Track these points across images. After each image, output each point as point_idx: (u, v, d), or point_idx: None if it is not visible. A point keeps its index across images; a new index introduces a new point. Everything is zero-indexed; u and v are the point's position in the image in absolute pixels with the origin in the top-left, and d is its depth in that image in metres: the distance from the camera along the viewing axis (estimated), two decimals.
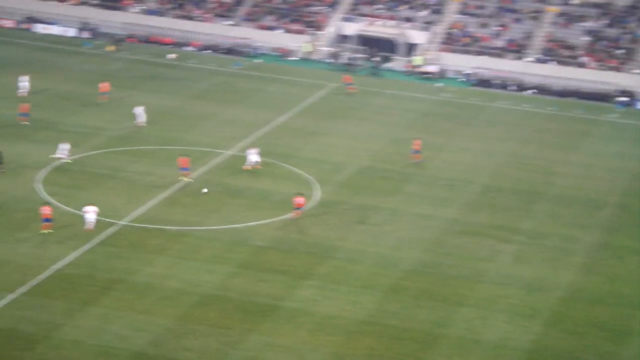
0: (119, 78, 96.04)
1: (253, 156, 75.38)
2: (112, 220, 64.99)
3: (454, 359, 51.90)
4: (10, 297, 54.90)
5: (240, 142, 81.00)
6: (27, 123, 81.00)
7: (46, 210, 62.43)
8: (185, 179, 71.48)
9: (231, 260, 61.18)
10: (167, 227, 64.88)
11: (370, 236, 65.91)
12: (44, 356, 49.80)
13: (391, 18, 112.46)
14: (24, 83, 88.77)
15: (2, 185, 69.01)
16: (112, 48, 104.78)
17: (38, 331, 51.94)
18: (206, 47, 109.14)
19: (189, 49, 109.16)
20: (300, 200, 67.61)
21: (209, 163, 76.19)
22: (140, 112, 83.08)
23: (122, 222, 64.97)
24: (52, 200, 66.99)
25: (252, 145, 78.22)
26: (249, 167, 75.17)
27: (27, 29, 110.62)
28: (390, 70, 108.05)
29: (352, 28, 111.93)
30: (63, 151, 73.94)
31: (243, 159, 76.98)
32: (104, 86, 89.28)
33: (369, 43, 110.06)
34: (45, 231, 61.95)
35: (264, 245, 63.47)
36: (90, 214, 63.69)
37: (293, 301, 56.89)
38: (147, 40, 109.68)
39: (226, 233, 64.89)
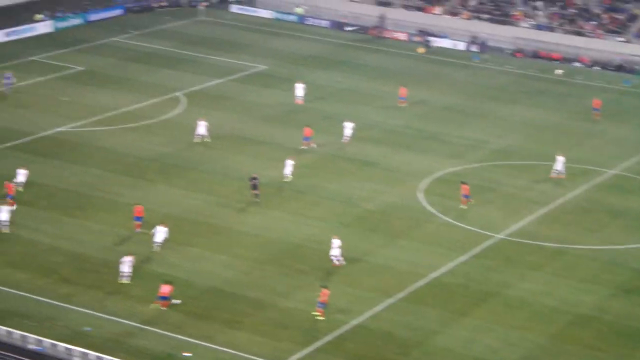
0: (505, 92, 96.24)
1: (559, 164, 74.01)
2: (489, 233, 65.26)
3: None
4: (389, 301, 56.59)
5: (625, 161, 78.72)
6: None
7: (164, 289, 54.63)
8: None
9: (609, 281, 59.73)
10: (545, 244, 64.28)
11: None
12: None
13: None
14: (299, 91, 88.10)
15: (388, 194, 71.08)
16: (422, 50, 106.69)
17: (413, 336, 53.23)
18: (595, 63, 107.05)
19: (577, 64, 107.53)
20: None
21: (592, 181, 74.65)
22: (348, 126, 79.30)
23: (499, 236, 65.08)
24: (432, 209, 68.30)
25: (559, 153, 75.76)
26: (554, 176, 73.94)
27: (420, 42, 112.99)
28: None
29: None
30: (22, 176, 66.09)
31: (628, 179, 74.93)
32: (403, 91, 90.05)
33: None
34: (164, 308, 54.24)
35: None
36: (126, 264, 56.98)
37: None
38: (536, 55, 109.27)
39: (606, 253, 63.38)
